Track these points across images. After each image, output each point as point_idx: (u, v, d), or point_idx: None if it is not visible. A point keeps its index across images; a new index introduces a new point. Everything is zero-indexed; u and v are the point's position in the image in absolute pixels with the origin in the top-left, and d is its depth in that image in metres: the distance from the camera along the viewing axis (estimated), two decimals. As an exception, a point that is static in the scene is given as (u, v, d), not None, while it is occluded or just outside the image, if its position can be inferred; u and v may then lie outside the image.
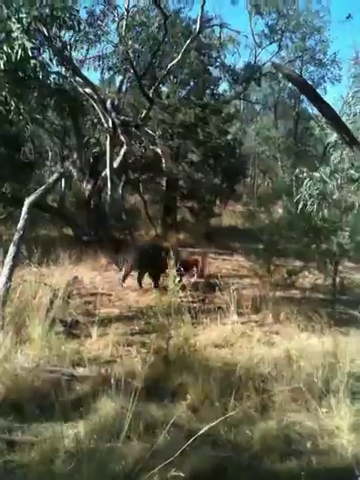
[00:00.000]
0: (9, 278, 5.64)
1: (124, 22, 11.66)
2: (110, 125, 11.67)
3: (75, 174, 12.95)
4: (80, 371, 4.55)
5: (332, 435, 3.63)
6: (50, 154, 20.14)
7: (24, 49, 6.39)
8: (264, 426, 3.75)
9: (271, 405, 4.09)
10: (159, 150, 13.66)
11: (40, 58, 7.19)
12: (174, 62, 12.65)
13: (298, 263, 9.03)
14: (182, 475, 2.18)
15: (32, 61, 6.50)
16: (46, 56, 8.05)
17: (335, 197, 6.76)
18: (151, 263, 8.26)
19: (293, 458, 3.34)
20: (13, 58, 6.32)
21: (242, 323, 6.36)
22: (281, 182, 15.79)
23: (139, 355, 5.04)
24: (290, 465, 3.27)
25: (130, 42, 11.89)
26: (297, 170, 6.39)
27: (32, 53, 6.47)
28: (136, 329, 5.88)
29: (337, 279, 8.00)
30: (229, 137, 18.41)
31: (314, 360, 4.67)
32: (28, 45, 6.45)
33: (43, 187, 6.72)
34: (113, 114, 11.74)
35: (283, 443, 3.54)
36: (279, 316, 6.73)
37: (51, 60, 7.95)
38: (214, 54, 16.62)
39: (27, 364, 4.30)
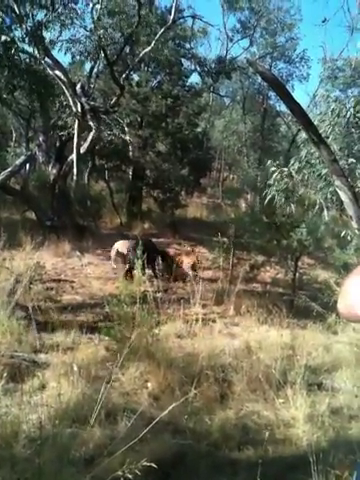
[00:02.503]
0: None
1: (98, 6, 11.44)
2: (79, 109, 11.48)
3: (40, 157, 12.70)
4: (41, 357, 4.52)
5: (288, 425, 3.76)
6: (14, 135, 19.63)
7: (-5, 25, 6.19)
8: (223, 415, 3.84)
9: (230, 395, 4.19)
10: (127, 138, 13.57)
11: (11, 35, 6.96)
12: (147, 50, 12.56)
13: (260, 257, 9.24)
14: (147, 464, 2.21)
15: (3, 37, 6.29)
16: (17, 34, 7.82)
17: (300, 193, 6.93)
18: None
19: (250, 447, 3.44)
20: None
21: (204, 314, 6.45)
22: (247, 176, 16.01)
23: (101, 343, 5.05)
24: (247, 453, 3.36)
25: (103, 27, 11.67)
26: (268, 162, 6.48)
27: (3, 30, 6.26)
28: (99, 317, 5.87)
29: (297, 274, 8.24)
30: (198, 129, 18.48)
31: (272, 352, 4.82)
32: (-2, 21, 6.25)
33: (8, 169, 6.57)
34: (83, 99, 11.56)
35: (241, 432, 3.64)
36: (240, 308, 6.88)
37: (22, 39, 7.71)
38: (186, 45, 16.61)
39: (-14, 349, 4.22)
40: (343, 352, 5.24)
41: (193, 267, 8.87)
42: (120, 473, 2.24)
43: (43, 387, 3.93)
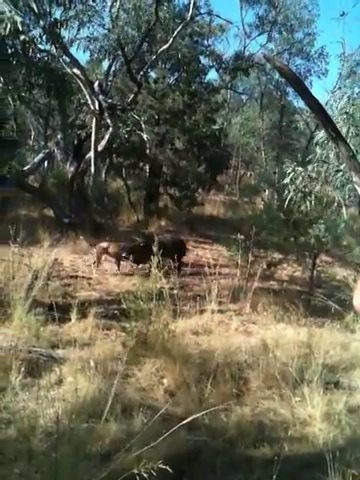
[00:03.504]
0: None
1: (117, 3, 11.48)
2: (96, 107, 11.54)
3: (58, 155, 12.82)
4: (59, 352, 4.56)
5: (304, 423, 3.73)
6: (33, 133, 19.85)
7: (14, 23, 6.25)
8: (239, 412, 3.83)
9: (246, 392, 4.18)
10: (144, 135, 13.59)
11: (29, 34, 7.04)
12: (164, 47, 12.55)
13: (277, 255, 9.17)
14: (163, 466, 2.23)
15: (21, 36, 6.36)
16: (35, 33, 7.90)
17: (317, 190, 6.86)
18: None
19: (266, 444, 3.42)
20: (2, 33, 6.18)
21: (220, 312, 6.44)
22: (264, 174, 15.92)
23: (118, 339, 5.08)
24: (263, 451, 3.35)
25: (121, 24, 11.71)
26: (285, 165, 6.44)
27: (21, 28, 6.33)
28: (115, 313, 5.90)
29: (314, 272, 8.16)
30: (215, 127, 18.42)
31: (289, 350, 4.79)
32: (18, 19, 6.31)
33: (28, 166, 6.65)
34: (100, 96, 11.61)
35: (257, 429, 3.62)
36: (257, 306, 6.85)
37: (40, 37, 7.78)
38: (204, 42, 16.55)
39: (5, 343, 4.28)
40: (361, 351, 5.18)
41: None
42: (136, 471, 2.25)
43: (60, 382, 3.97)
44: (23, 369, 3.86)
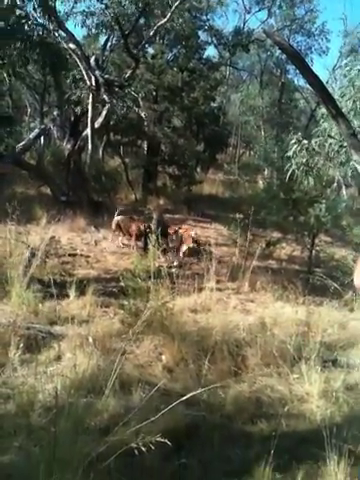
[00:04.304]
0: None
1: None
2: (93, 83, 11.32)
3: (55, 132, 12.66)
4: (57, 329, 4.56)
5: (302, 400, 3.77)
6: (29, 110, 19.57)
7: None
8: (237, 388, 3.86)
9: (244, 369, 4.20)
10: (142, 112, 13.39)
11: (25, 8, 6.85)
12: (162, 22, 12.28)
13: (276, 234, 9.17)
14: (161, 440, 2.23)
15: (17, 11, 6.19)
16: (30, 7, 7.68)
17: (320, 166, 6.77)
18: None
19: (264, 420, 3.45)
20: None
21: (219, 290, 6.44)
22: (264, 152, 15.75)
23: (116, 316, 5.09)
24: (261, 426, 3.38)
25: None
26: (289, 135, 6.34)
27: (17, 2, 6.14)
28: (114, 291, 5.90)
29: (313, 252, 8.15)
30: (214, 104, 18.19)
31: (287, 328, 4.80)
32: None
33: (23, 142, 6.55)
34: (97, 72, 11.40)
35: (254, 405, 3.66)
36: (255, 285, 6.85)
37: (34, 10, 7.57)
38: (203, 17, 16.22)
39: (4, 320, 4.28)
40: (359, 329, 5.20)
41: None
42: (134, 445, 2.26)
43: (59, 358, 3.99)
44: (22, 345, 3.87)
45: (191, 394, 2.59)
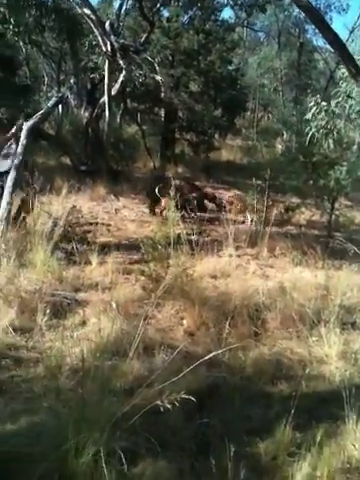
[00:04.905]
0: (10, 202, 5.68)
1: None
2: (109, 49, 11.14)
3: (72, 100, 12.57)
4: (81, 295, 4.71)
5: (321, 362, 3.84)
6: (46, 79, 19.43)
7: None
8: (257, 351, 3.96)
9: (264, 332, 4.29)
10: (158, 78, 13.16)
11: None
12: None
13: (296, 199, 9.08)
14: (186, 396, 2.34)
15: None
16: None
17: (340, 127, 6.62)
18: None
19: (284, 381, 3.55)
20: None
21: (238, 256, 6.48)
22: (282, 116, 15.42)
23: (138, 283, 5.20)
24: (281, 387, 3.49)
25: None
26: (308, 98, 6.20)
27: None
28: (135, 258, 6.00)
29: (333, 216, 8.08)
30: (231, 67, 17.73)
31: (306, 292, 4.85)
32: None
33: (41, 111, 6.57)
34: (112, 37, 11.18)
35: (274, 367, 3.75)
36: (274, 250, 6.86)
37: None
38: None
39: (30, 287, 4.42)
40: (379, 292, 5.21)
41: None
42: (159, 403, 2.37)
43: (84, 323, 4.13)
44: (48, 311, 4.02)
45: (213, 354, 2.68)
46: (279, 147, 13.99)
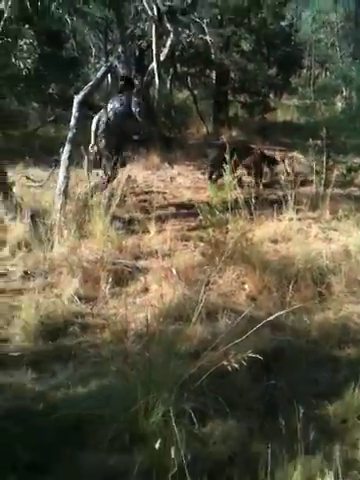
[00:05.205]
0: (67, 176, 5.78)
1: None
2: (155, 13, 10.89)
3: (120, 69, 12.46)
4: (141, 263, 4.77)
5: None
6: (93, 50, 19.39)
7: None
8: (322, 315, 3.86)
9: (328, 296, 4.17)
10: (208, 38, 12.74)
11: None
12: None
13: (358, 159, 8.65)
14: (253, 355, 2.32)
15: None
16: None
17: None
18: None
19: (351, 346, 3.45)
20: None
21: (299, 219, 6.27)
22: (341, 72, 14.59)
23: (197, 249, 5.18)
24: (348, 351, 3.39)
25: None
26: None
27: None
28: (192, 225, 5.97)
29: None
30: (284, 23, 16.85)
31: (373, 255, 4.65)
32: None
33: (90, 83, 6.57)
34: (158, 0, 10.91)
35: (341, 331, 3.63)
36: (337, 213, 6.58)
37: None
38: None
39: (91, 257, 4.52)
40: None
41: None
42: (226, 363, 2.36)
43: (146, 290, 4.19)
44: (110, 279, 4.11)
45: (277, 314, 2.64)
46: (339, 104, 13.33)
